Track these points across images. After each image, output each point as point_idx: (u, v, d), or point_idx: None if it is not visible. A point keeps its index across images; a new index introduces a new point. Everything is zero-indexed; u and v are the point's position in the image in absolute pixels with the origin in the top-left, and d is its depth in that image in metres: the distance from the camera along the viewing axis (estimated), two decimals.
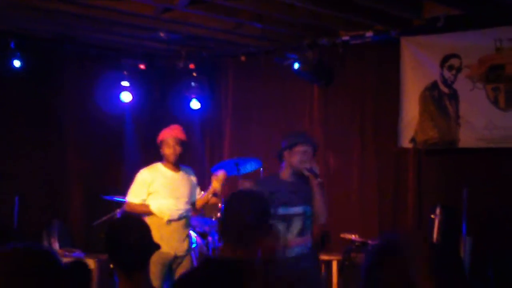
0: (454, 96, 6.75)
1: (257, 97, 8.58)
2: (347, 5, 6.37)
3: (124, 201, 6.08)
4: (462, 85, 6.68)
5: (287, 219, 4.84)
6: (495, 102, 6.48)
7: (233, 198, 3.18)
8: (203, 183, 6.90)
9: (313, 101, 8.01)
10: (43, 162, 8.07)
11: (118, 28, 7.29)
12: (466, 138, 6.66)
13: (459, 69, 6.69)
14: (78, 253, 7.37)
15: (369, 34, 7.21)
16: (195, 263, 7.08)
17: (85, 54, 8.35)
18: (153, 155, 6.13)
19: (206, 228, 7.55)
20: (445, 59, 6.76)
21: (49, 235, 7.72)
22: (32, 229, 7.64)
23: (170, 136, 5.90)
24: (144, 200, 5.87)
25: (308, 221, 4.90)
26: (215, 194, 6.17)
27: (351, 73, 7.70)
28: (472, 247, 6.35)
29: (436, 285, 1.70)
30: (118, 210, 7.15)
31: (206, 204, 6.36)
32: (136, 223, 3.29)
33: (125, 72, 8.21)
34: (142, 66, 8.37)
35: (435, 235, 6.56)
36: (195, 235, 7.51)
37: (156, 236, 3.24)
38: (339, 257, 6.81)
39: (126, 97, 8.29)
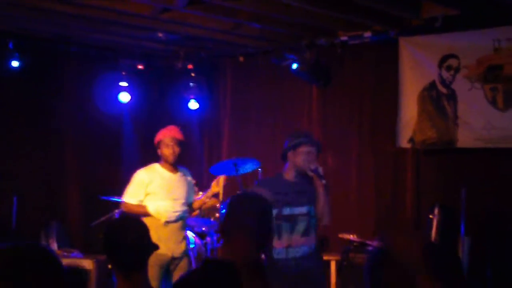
0: (452, 96, 6.75)
1: (256, 97, 8.58)
2: (346, 5, 6.37)
3: (121, 201, 6.04)
4: (460, 85, 6.68)
5: (292, 219, 4.85)
6: (493, 102, 6.48)
7: (235, 200, 3.18)
8: (202, 184, 6.92)
9: (311, 101, 8.01)
10: (41, 162, 8.06)
11: (116, 28, 7.29)
12: (464, 138, 6.66)
13: (457, 69, 6.69)
14: (76, 254, 7.36)
15: (367, 34, 7.21)
16: (193, 264, 7.08)
17: (84, 54, 8.34)
18: (151, 155, 6.11)
19: (205, 229, 7.55)
20: (443, 59, 6.77)
21: (47, 236, 7.72)
22: (30, 229, 7.64)
23: (169, 137, 5.87)
24: (141, 201, 5.83)
25: (312, 221, 4.91)
26: (215, 195, 6.17)
27: (349, 73, 7.70)
28: (470, 247, 6.35)
29: (436, 285, 1.71)
30: (116, 211, 7.15)
31: (203, 205, 6.36)
32: (134, 223, 3.28)
33: (123, 73, 8.20)
34: (140, 67, 8.36)
35: (433, 235, 6.56)
36: (194, 235, 7.51)
37: (154, 237, 3.23)
38: (338, 257, 6.81)
39: (124, 97, 8.29)
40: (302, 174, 4.90)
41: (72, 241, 8.05)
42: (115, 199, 7.01)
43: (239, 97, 8.73)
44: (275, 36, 7.70)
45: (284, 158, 4.99)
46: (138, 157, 8.23)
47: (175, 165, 5.95)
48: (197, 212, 7.55)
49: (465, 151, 6.76)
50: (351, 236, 6.88)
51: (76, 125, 8.38)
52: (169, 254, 5.69)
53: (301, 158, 4.87)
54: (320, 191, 4.85)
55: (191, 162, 8.50)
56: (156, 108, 8.87)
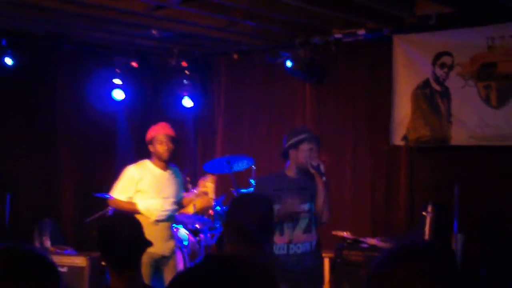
0: (446, 94, 6.77)
1: (250, 95, 8.58)
2: (340, 3, 6.37)
3: (109, 197, 5.92)
4: (454, 83, 6.70)
5: (294, 216, 4.86)
6: (486, 100, 6.50)
7: (237, 200, 3.17)
8: (195, 181, 6.91)
9: (305, 99, 8.02)
10: (35, 159, 8.04)
11: (110, 25, 7.27)
12: (458, 136, 6.68)
13: (451, 67, 6.71)
14: (70, 251, 7.35)
15: (361, 32, 7.21)
16: (187, 261, 7.08)
17: (78, 52, 8.32)
18: (145, 152, 6.07)
19: (198, 226, 7.55)
20: (437, 57, 6.78)
21: (41, 233, 7.70)
22: (23, 227, 7.62)
23: (162, 133, 5.80)
24: (131, 198, 5.75)
25: (314, 218, 4.92)
26: (204, 193, 6.14)
27: (343, 71, 7.70)
28: (463, 244, 6.37)
29: None
30: (110, 208, 7.14)
31: (191, 203, 6.32)
32: (128, 220, 3.29)
33: (117, 70, 8.18)
34: (134, 64, 8.35)
35: (426, 233, 6.58)
36: (187, 232, 7.51)
37: None
38: (331, 255, 6.81)
39: (118, 95, 8.27)
40: (303, 171, 4.91)
41: (65, 238, 8.03)
42: (109, 196, 7.00)
43: (233, 94, 8.73)
44: (269, 34, 7.70)
45: (285, 156, 4.98)
46: (132, 154, 8.20)
47: (167, 163, 5.88)
48: (191, 209, 7.55)
49: (458, 148, 6.77)
50: (345, 233, 6.89)
51: (70, 122, 8.36)
52: (159, 252, 5.57)
53: (303, 155, 4.87)
54: (320, 187, 4.85)
55: (185, 160, 8.51)
56: (150, 106, 8.86)
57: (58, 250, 7.27)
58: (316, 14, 6.80)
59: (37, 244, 7.58)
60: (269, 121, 8.37)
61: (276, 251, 4.83)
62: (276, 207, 4.73)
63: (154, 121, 6.08)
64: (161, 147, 5.78)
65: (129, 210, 5.64)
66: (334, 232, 6.77)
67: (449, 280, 1.70)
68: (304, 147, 4.88)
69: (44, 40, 7.82)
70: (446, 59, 6.73)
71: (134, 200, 5.76)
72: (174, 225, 7.43)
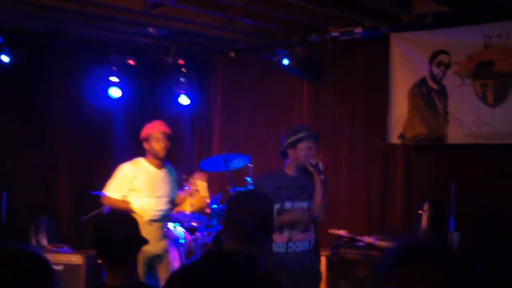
0: (442, 92, 6.77)
1: (247, 93, 8.58)
2: (337, 2, 6.37)
3: (103, 195, 5.84)
4: (450, 81, 6.70)
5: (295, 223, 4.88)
6: (483, 99, 6.50)
7: (235, 198, 3.16)
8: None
9: (302, 97, 8.02)
10: (31, 157, 8.03)
11: (107, 23, 7.27)
12: (455, 134, 6.68)
13: (448, 66, 6.71)
14: (66, 249, 7.34)
15: (358, 30, 7.21)
16: (184, 259, 7.08)
17: (74, 49, 8.30)
18: (142, 150, 6.05)
19: (195, 224, 7.55)
20: (434, 55, 6.78)
21: (37, 231, 7.69)
22: (20, 224, 7.62)
23: (158, 131, 5.75)
24: (125, 197, 5.69)
25: (313, 216, 4.92)
26: (195, 191, 6.12)
27: (340, 69, 7.70)
28: (459, 242, 6.37)
29: None
30: (106, 206, 7.13)
31: (184, 202, 6.29)
32: (124, 218, 3.29)
33: (114, 68, 8.17)
34: (131, 62, 8.34)
35: (423, 231, 6.58)
36: (184, 231, 7.51)
37: None
38: (328, 253, 6.82)
39: (115, 92, 8.26)
40: (302, 169, 4.91)
41: (62, 236, 8.03)
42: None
43: (230, 92, 8.73)
44: (266, 32, 7.70)
45: (284, 154, 4.98)
46: (128, 152, 8.18)
47: (162, 161, 5.83)
48: (188, 208, 7.55)
49: (455, 147, 6.78)
50: (341, 231, 6.90)
51: (66, 120, 8.35)
52: (152, 251, 5.54)
53: (302, 154, 4.87)
54: (318, 186, 4.85)
55: (182, 158, 8.52)
56: (146, 104, 8.85)
57: (55, 248, 7.27)
58: (313, 12, 6.80)
59: (33, 242, 7.57)
60: (266, 119, 8.37)
61: (275, 249, 4.83)
62: (276, 205, 4.74)
63: (151, 119, 6.04)
64: (158, 145, 5.73)
65: (122, 208, 5.58)
66: (330, 231, 6.77)
67: (456, 279, 1.69)
68: (303, 145, 4.88)
69: (41, 37, 7.80)
70: (443, 58, 6.74)
71: (128, 199, 5.70)
72: (173, 224, 7.45)
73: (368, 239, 6.71)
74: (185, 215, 7.48)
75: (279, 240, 4.85)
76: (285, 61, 7.53)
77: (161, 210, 5.79)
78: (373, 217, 7.39)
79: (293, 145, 4.90)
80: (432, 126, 6.82)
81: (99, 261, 3.22)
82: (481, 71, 6.49)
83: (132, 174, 5.71)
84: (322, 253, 7.00)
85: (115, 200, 5.71)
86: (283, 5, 6.47)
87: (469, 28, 6.57)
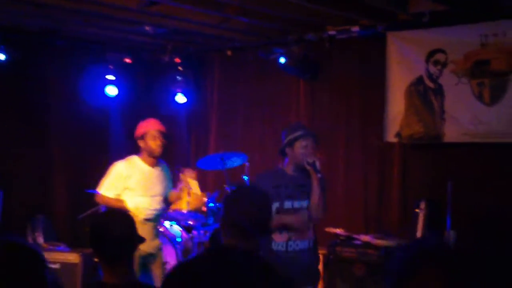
0: (439, 91, 6.78)
1: (243, 92, 8.57)
2: (334, 0, 6.37)
3: (96, 193, 5.79)
4: (447, 80, 6.71)
5: (293, 213, 4.87)
6: (480, 97, 6.51)
7: (233, 195, 3.15)
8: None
9: (299, 95, 8.01)
10: (28, 156, 8.01)
11: (103, 21, 7.25)
12: (451, 133, 6.69)
13: (444, 64, 6.72)
14: (62, 247, 7.34)
15: (355, 29, 7.21)
16: (180, 257, 7.08)
17: (70, 47, 8.29)
18: (138, 149, 6.03)
19: (191, 222, 7.54)
20: (431, 54, 6.78)
21: (34, 229, 7.68)
22: (16, 223, 7.60)
23: (155, 129, 5.72)
24: (118, 195, 5.65)
25: (311, 215, 4.93)
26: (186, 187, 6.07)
27: (337, 68, 7.70)
28: (456, 241, 6.38)
29: None
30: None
31: (178, 199, 6.25)
32: (121, 216, 3.28)
33: (110, 66, 8.16)
34: (128, 60, 8.33)
35: (419, 229, 6.59)
36: (180, 229, 7.51)
37: None
38: (324, 251, 6.82)
39: (111, 91, 8.25)
40: (301, 168, 4.91)
41: (58, 234, 8.02)
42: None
43: (226, 91, 8.72)
44: (263, 30, 7.69)
45: (283, 153, 4.98)
46: (125, 150, 8.18)
47: (157, 159, 5.80)
48: (185, 207, 7.54)
49: (452, 145, 6.78)
50: (338, 230, 6.90)
51: (62, 118, 8.33)
52: (146, 250, 5.48)
53: (299, 152, 4.87)
54: (315, 184, 4.85)
55: (178, 156, 8.51)
56: (143, 102, 8.83)
57: (51, 247, 7.26)
58: (310, 11, 6.79)
59: (30, 240, 7.56)
60: (262, 117, 8.37)
61: (274, 248, 4.83)
62: (276, 204, 4.74)
63: (147, 117, 6.02)
64: (154, 143, 5.70)
65: (117, 207, 5.53)
66: (327, 229, 6.77)
67: (463, 283, 1.69)
68: (299, 144, 4.88)
69: (37, 35, 7.79)
70: (439, 56, 6.74)
71: (122, 197, 5.66)
72: (170, 222, 7.44)
73: (365, 238, 6.71)
74: (182, 214, 7.48)
75: (279, 240, 4.85)
76: (282, 60, 7.53)
77: (155, 209, 5.77)
78: (370, 216, 7.40)
79: (291, 143, 4.91)
80: (428, 124, 6.83)
81: (96, 260, 3.21)
82: (477, 70, 6.50)
83: (126, 172, 5.67)
84: (319, 251, 7.04)
85: (109, 198, 5.67)
86: (279, 4, 6.47)
87: (465, 27, 6.58)
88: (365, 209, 7.44)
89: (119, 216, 3.28)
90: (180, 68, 8.40)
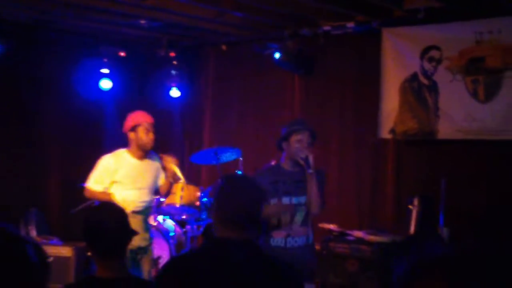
0: (433, 88, 6.78)
1: (238, 86, 8.56)
2: None
3: (84, 187, 5.74)
4: (442, 77, 6.71)
5: (291, 209, 4.87)
6: (474, 94, 6.52)
7: (227, 183, 3.12)
8: (181, 171, 6.83)
9: (293, 91, 8.01)
10: (21, 149, 7.97)
11: (98, 14, 7.23)
12: (445, 130, 6.70)
13: (439, 61, 6.72)
14: (55, 241, 7.33)
15: (350, 24, 7.21)
16: (173, 252, 7.07)
17: (64, 40, 8.26)
18: (127, 141, 5.94)
19: (185, 217, 7.54)
20: (426, 50, 6.79)
21: (27, 223, 7.66)
22: (9, 216, 7.57)
23: (146, 121, 5.66)
24: (107, 188, 5.60)
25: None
26: (177, 178, 5.98)
27: (332, 64, 7.70)
28: (449, 237, 6.40)
29: None
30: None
31: (170, 186, 6.15)
32: (113, 210, 3.27)
33: (105, 59, 8.13)
34: (122, 54, 8.30)
35: (412, 226, 6.60)
36: (174, 223, 7.51)
37: None
38: (317, 247, 6.82)
39: (105, 84, 8.23)
40: (299, 164, 4.90)
41: (51, 228, 8.00)
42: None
43: (221, 85, 8.71)
44: (258, 25, 7.69)
45: (280, 148, 4.98)
46: (119, 144, 8.15)
47: (147, 152, 5.73)
48: (178, 201, 7.53)
49: (445, 142, 6.80)
50: (331, 225, 6.91)
51: (56, 112, 8.30)
52: (136, 244, 5.40)
53: (293, 147, 4.87)
54: (309, 179, 4.84)
55: (172, 150, 8.48)
56: (137, 96, 8.80)
57: (44, 240, 7.25)
58: (305, 6, 6.79)
59: (23, 234, 7.54)
60: (257, 112, 8.36)
61: (273, 244, 4.82)
62: (273, 200, 4.74)
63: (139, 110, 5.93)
64: (146, 136, 5.63)
65: (104, 200, 5.42)
66: (320, 225, 6.78)
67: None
68: (293, 138, 4.88)
69: (30, 28, 7.75)
70: (434, 53, 6.75)
71: (110, 191, 5.61)
72: (163, 216, 7.42)
73: (358, 233, 6.72)
74: (175, 208, 7.46)
75: (277, 236, 4.85)
76: (277, 55, 7.52)
77: (143, 202, 5.70)
78: (363, 212, 7.41)
79: (286, 138, 4.90)
80: (422, 121, 6.84)
81: (89, 254, 3.20)
82: (472, 67, 6.51)
83: (114, 166, 5.63)
84: None
85: (97, 192, 5.63)
86: None
87: (460, 24, 6.59)
88: (359, 205, 7.45)
89: (112, 210, 3.27)
90: (174, 62, 8.38)
